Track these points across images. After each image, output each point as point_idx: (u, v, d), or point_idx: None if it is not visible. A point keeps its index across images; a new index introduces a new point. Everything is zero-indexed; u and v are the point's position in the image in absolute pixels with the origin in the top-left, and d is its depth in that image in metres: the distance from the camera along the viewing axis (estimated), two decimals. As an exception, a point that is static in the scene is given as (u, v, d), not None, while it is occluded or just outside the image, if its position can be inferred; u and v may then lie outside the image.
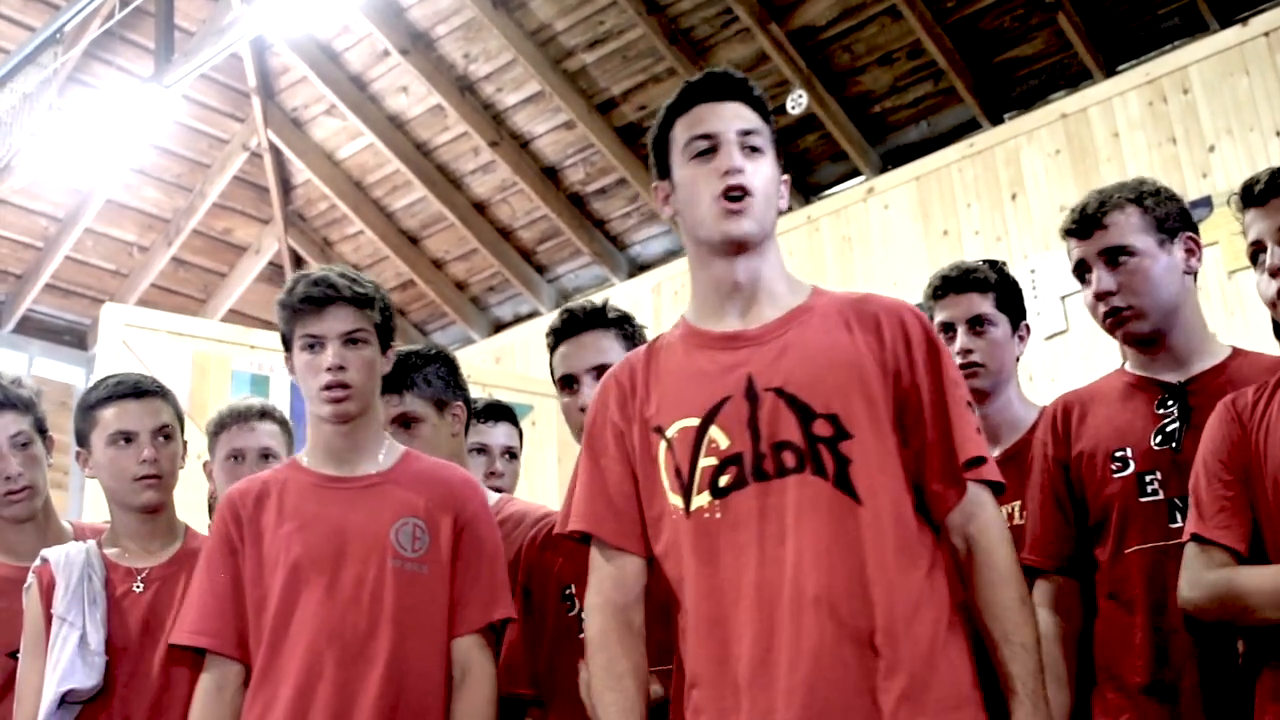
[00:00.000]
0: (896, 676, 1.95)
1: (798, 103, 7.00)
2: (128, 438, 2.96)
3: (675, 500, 2.14)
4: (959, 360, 2.81)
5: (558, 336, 2.79)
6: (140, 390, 3.02)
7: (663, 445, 2.16)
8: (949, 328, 2.94)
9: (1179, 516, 2.35)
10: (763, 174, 2.22)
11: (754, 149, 2.23)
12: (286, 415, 3.55)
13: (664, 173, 2.30)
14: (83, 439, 3.04)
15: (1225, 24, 6.13)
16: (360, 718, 2.42)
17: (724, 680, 2.02)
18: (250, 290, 9.13)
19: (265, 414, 3.52)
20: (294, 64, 8.11)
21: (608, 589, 2.20)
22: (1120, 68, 6.48)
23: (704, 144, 2.22)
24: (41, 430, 3.19)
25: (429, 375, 3.04)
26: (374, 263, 8.96)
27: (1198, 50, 6.16)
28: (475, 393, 3.89)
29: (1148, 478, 2.42)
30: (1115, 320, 2.53)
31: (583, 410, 2.63)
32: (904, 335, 2.15)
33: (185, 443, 3.11)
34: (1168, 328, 2.53)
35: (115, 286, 9.05)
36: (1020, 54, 6.72)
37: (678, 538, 2.12)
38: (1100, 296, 2.54)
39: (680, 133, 2.27)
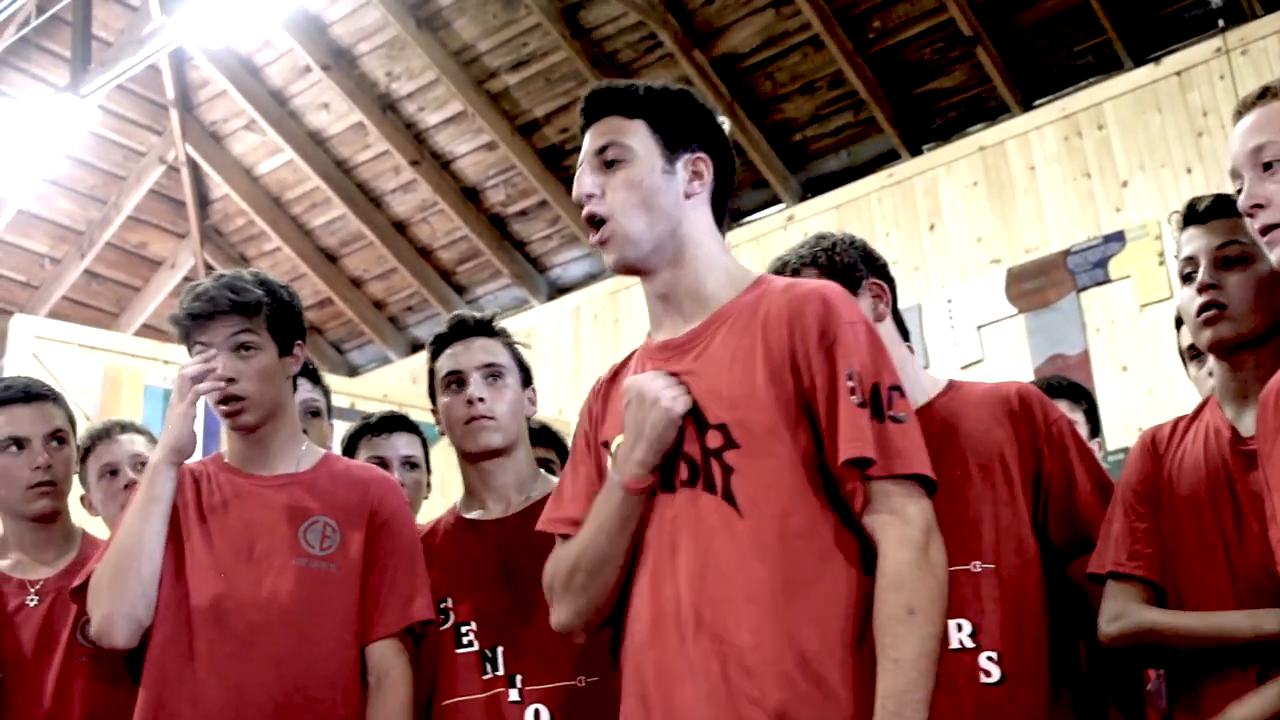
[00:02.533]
0: (767, 698, 1.87)
1: (720, 129, 7.03)
2: (19, 444, 2.89)
3: None
4: None
5: (445, 340, 2.80)
6: (30, 394, 2.96)
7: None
8: None
9: None
10: (622, 187, 2.17)
11: (611, 162, 2.20)
12: (200, 428, 3.50)
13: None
14: None
15: (1139, 62, 6.25)
16: (253, 715, 2.38)
17: (635, 698, 2.02)
18: (165, 305, 8.99)
19: (125, 427, 3.45)
20: (214, 77, 8.03)
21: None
22: (1037, 103, 6.59)
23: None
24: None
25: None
26: (291, 280, 8.71)
27: (1112, 88, 6.28)
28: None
29: None
30: None
31: (470, 404, 2.68)
32: (802, 328, 2.03)
33: (78, 448, 3.05)
34: None
35: (25, 298, 8.89)
36: (940, 86, 6.80)
37: None
38: None
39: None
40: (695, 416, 2.04)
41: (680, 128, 2.20)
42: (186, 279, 8.91)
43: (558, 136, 7.60)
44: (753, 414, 2.00)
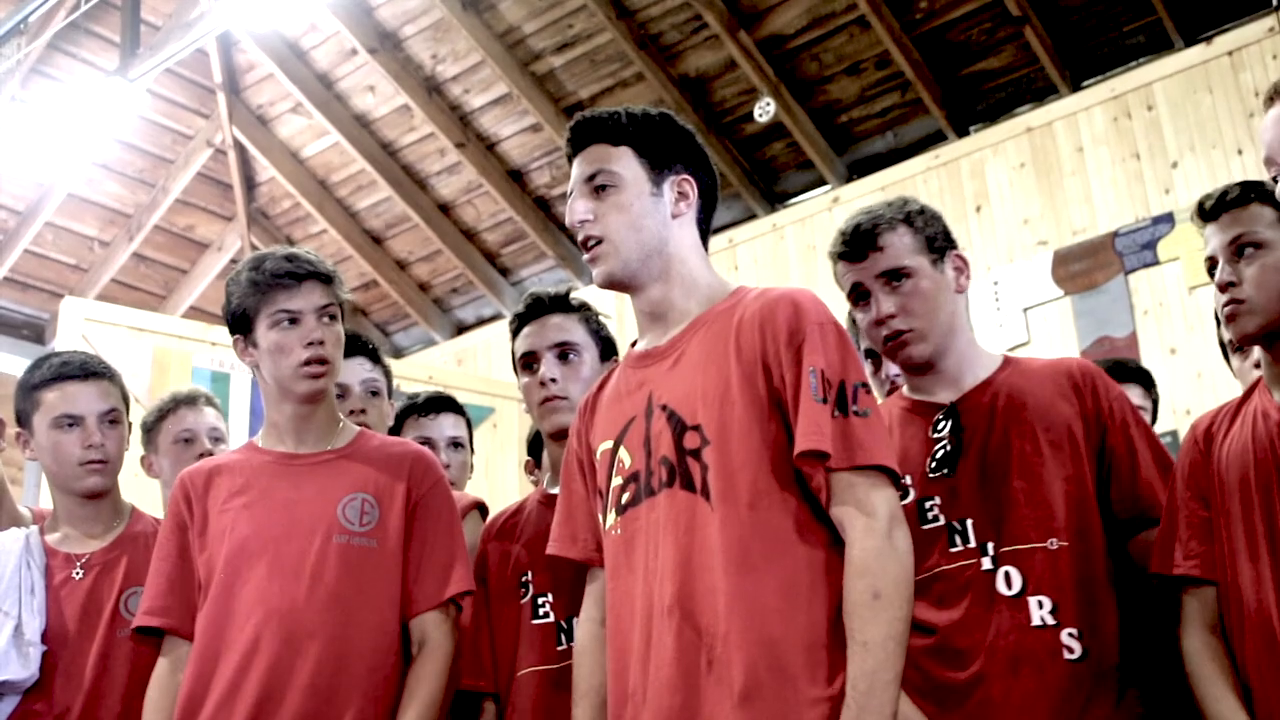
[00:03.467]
0: (734, 680, 1.94)
1: (765, 110, 7.02)
2: (73, 421, 2.91)
3: (603, 518, 2.25)
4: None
5: (522, 320, 2.81)
6: (87, 372, 2.97)
7: (598, 467, 2.27)
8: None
9: (958, 540, 2.36)
10: (611, 212, 2.28)
11: (601, 187, 2.31)
12: (248, 412, 3.56)
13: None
14: (24, 419, 2.97)
15: (1190, 42, 6.18)
16: (294, 693, 2.40)
17: (620, 695, 2.10)
18: (212, 287, 9.06)
19: (210, 400, 3.53)
20: (260, 61, 8.07)
21: (589, 605, 2.32)
22: (1086, 83, 6.53)
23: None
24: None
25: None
26: (337, 262, 8.83)
27: (1162, 68, 6.21)
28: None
29: (927, 504, 2.41)
30: (895, 344, 2.49)
31: (543, 385, 2.71)
32: (773, 329, 2.12)
33: (131, 425, 3.06)
34: (944, 349, 2.50)
35: (75, 281, 8.97)
36: (987, 67, 6.75)
37: (606, 554, 2.24)
38: (880, 321, 2.48)
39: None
40: (672, 419, 2.14)
41: (664, 151, 2.31)
42: (234, 261, 8.97)
43: (603, 118, 7.58)
44: (725, 412, 2.09)
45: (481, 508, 3.11)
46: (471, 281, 8.64)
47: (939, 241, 2.55)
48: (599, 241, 2.26)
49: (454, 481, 3.36)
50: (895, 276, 2.48)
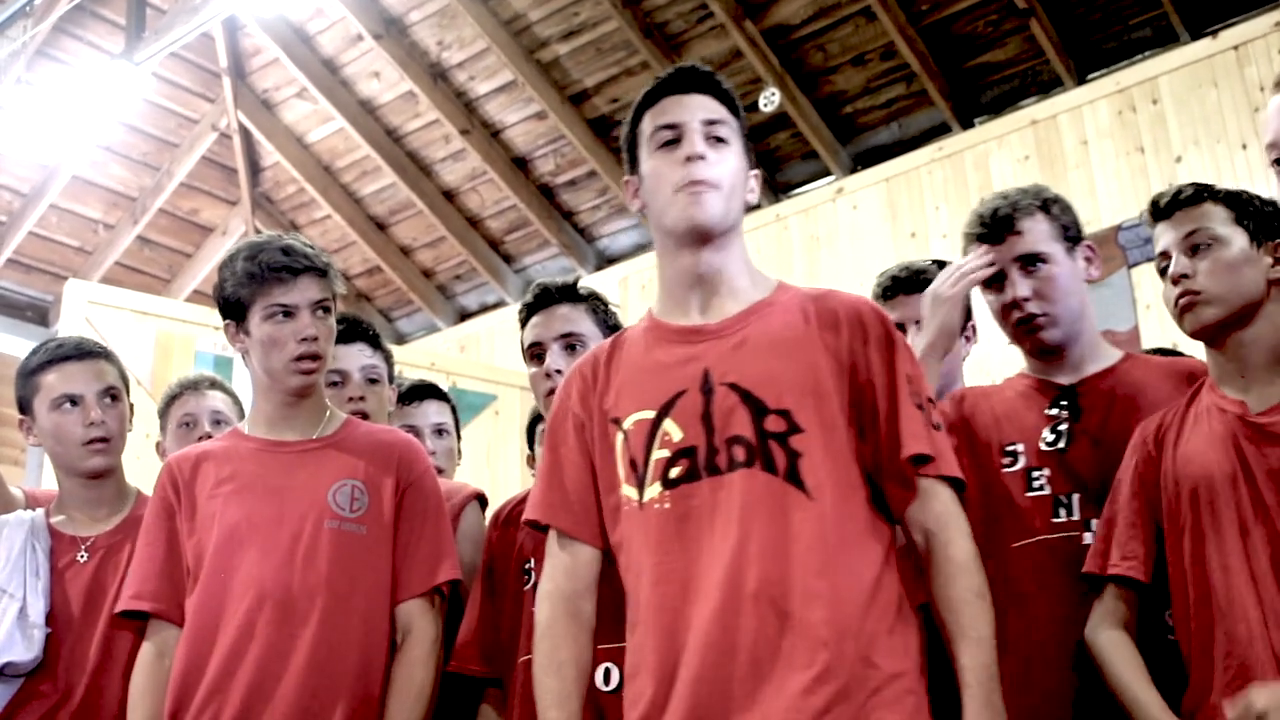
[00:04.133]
0: (837, 672, 1.94)
1: (770, 100, 7.01)
2: (73, 400, 2.92)
3: (629, 491, 2.15)
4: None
5: (530, 310, 2.79)
6: (83, 351, 2.98)
7: (620, 437, 2.18)
8: (900, 328, 2.97)
9: (1062, 512, 2.45)
10: (727, 164, 2.23)
11: (719, 139, 2.23)
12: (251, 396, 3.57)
13: (634, 166, 2.33)
14: (25, 406, 2.98)
15: (1196, 36, 6.17)
16: (288, 678, 2.41)
17: (663, 673, 2.03)
18: (216, 271, 9.01)
19: (215, 384, 3.54)
20: (266, 45, 8.07)
21: (559, 577, 2.23)
22: (1091, 76, 6.52)
23: (668, 134, 2.24)
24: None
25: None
26: (341, 248, 8.92)
27: (1168, 61, 6.21)
28: (440, 382, 3.89)
29: (1035, 474, 2.50)
30: (1029, 327, 2.59)
31: (549, 377, 2.68)
32: (861, 330, 2.16)
33: (132, 405, 3.07)
34: (1074, 336, 2.61)
35: (79, 264, 8.98)
36: (993, 59, 6.75)
37: (631, 528, 2.14)
38: (1015, 303, 2.59)
39: (648, 124, 2.29)
40: (749, 400, 2.10)
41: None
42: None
43: (607, 107, 7.59)
44: (821, 402, 2.10)
45: (481, 499, 3.11)
46: (475, 268, 8.65)
47: (1072, 230, 2.66)
48: (706, 184, 2.20)
49: (441, 469, 3.33)
50: (1032, 261, 2.60)
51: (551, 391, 2.67)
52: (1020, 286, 2.58)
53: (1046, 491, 2.48)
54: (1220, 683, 2.16)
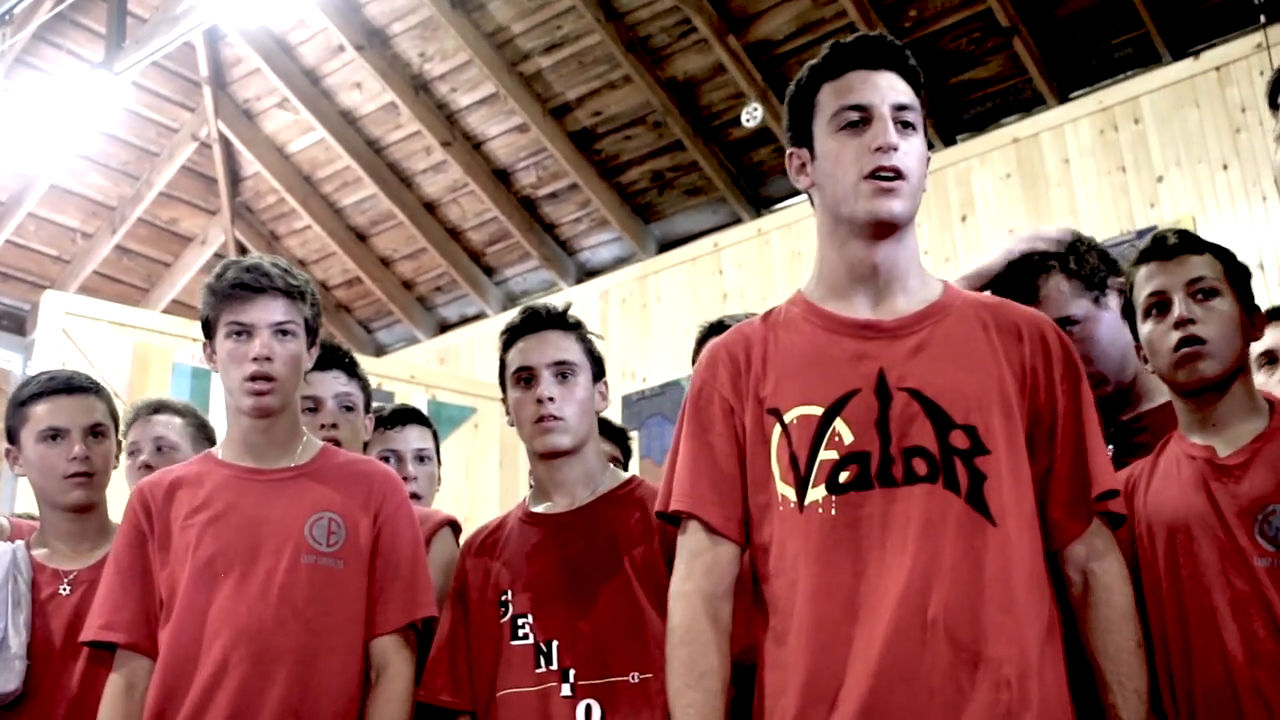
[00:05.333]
0: (1026, 713, 1.85)
1: (753, 116, 7.00)
2: (57, 434, 2.91)
3: (786, 490, 2.01)
4: None
5: (516, 333, 2.74)
6: (73, 386, 2.97)
7: (777, 429, 2.04)
8: None
9: None
10: (916, 154, 2.10)
11: (907, 125, 2.10)
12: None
13: (801, 139, 2.17)
14: (13, 436, 2.97)
15: (1178, 56, 6.19)
16: (264, 715, 2.37)
17: (815, 692, 1.90)
18: (195, 281, 9.01)
19: (161, 408, 3.48)
20: (247, 55, 8.03)
21: (699, 576, 2.06)
22: (1073, 95, 6.54)
23: (855, 115, 2.09)
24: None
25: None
26: (321, 258, 8.89)
27: (1150, 81, 6.23)
28: (419, 394, 3.86)
29: None
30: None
31: (539, 403, 2.63)
32: (1044, 350, 2.06)
33: (120, 443, 3.07)
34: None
35: (57, 273, 8.93)
36: (975, 76, 6.75)
37: (786, 531, 2.00)
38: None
39: (828, 99, 2.13)
40: (932, 411, 1.99)
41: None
42: (217, 255, 8.94)
43: (589, 120, 7.57)
44: (1007, 423, 2.00)
45: (454, 525, 3.07)
46: (455, 280, 8.62)
47: (1101, 272, 2.68)
48: (901, 177, 2.07)
49: (421, 495, 3.33)
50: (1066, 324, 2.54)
51: (540, 419, 2.64)
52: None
53: None
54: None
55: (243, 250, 8.88)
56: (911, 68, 2.16)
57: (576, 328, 2.76)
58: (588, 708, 2.45)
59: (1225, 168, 5.84)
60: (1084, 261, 2.62)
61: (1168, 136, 6.09)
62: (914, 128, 2.10)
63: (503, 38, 7.44)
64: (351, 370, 3.18)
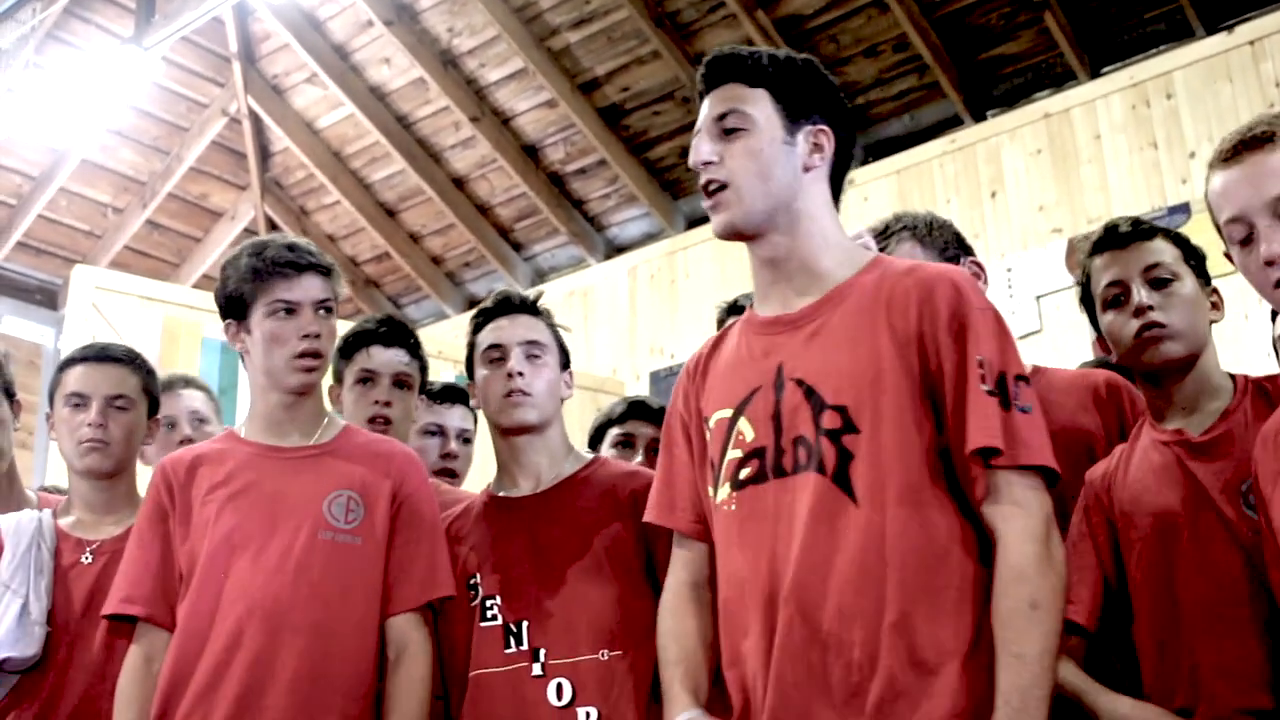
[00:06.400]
0: (869, 692, 1.84)
1: (781, 91, 6.97)
2: (80, 401, 2.93)
3: (711, 491, 2.13)
4: None
5: (488, 315, 2.81)
6: (103, 355, 3.00)
7: (707, 434, 2.15)
8: None
9: None
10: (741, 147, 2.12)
11: (731, 130, 2.13)
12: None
13: None
14: (53, 400, 3.02)
15: (1211, 31, 6.13)
16: (277, 689, 2.38)
17: (738, 681, 2.01)
18: (224, 256, 9.00)
19: (190, 382, 3.56)
20: (276, 30, 8.05)
21: (680, 571, 2.22)
22: (1105, 70, 6.49)
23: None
24: (10, 394, 3.09)
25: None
26: (350, 234, 8.91)
27: (1183, 56, 6.17)
28: (447, 369, 3.88)
29: None
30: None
31: (510, 378, 2.69)
32: (931, 310, 1.98)
33: (158, 420, 3.09)
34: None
35: (88, 247, 8.98)
36: (1006, 51, 6.71)
37: (717, 528, 2.11)
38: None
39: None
40: (811, 396, 1.99)
41: (803, 99, 2.16)
42: (247, 230, 8.98)
43: (618, 95, 7.56)
44: (878, 397, 1.95)
45: None
46: (484, 256, 8.64)
47: (954, 248, 2.70)
48: (722, 187, 2.09)
49: (458, 473, 3.40)
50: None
51: (509, 394, 2.69)
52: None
53: None
54: (1183, 697, 2.17)
55: (272, 225, 8.91)
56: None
57: (546, 315, 2.84)
58: (558, 686, 2.49)
59: (1258, 143, 5.78)
60: (937, 232, 2.64)
61: (1200, 112, 6.03)
62: (743, 131, 2.12)
63: (531, 12, 7.43)
64: (415, 350, 3.20)
